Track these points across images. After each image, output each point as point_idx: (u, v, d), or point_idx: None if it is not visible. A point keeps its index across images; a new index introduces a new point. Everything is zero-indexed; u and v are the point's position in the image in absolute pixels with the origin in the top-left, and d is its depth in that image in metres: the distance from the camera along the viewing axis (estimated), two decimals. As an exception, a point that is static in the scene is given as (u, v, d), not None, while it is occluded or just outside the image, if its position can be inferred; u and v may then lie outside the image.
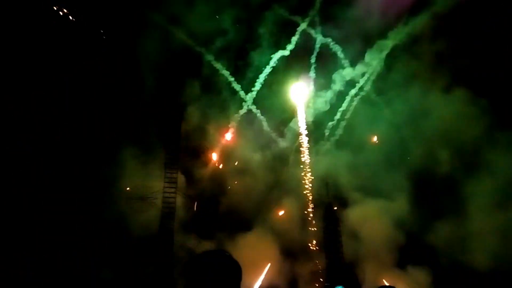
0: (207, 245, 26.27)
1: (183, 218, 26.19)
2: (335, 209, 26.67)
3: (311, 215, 28.94)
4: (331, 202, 26.70)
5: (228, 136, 31.61)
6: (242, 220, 29.78)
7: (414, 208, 30.16)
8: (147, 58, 27.30)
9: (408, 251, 28.67)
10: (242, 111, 32.46)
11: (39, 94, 24.48)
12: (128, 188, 25.16)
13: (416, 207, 30.37)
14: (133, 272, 24.52)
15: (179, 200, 25.69)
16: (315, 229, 28.41)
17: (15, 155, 23.61)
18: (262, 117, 32.60)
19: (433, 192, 31.35)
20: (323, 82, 32.89)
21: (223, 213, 29.95)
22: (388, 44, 33.95)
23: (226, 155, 31.17)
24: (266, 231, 29.27)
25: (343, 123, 32.99)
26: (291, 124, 33.10)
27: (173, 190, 25.36)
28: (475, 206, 29.74)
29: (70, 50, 25.46)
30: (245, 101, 32.58)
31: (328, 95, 33.09)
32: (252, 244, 27.90)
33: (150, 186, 25.07)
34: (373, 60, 34.11)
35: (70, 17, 26.06)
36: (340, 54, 33.19)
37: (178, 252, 24.95)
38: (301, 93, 33.44)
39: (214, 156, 30.50)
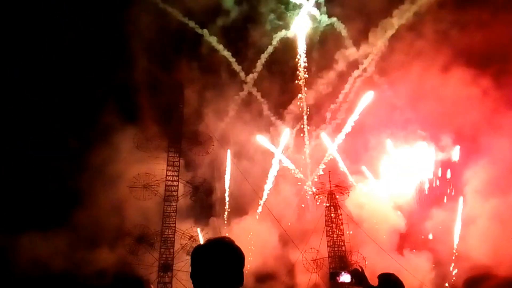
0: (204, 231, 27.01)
1: (182, 205, 26.56)
2: (337, 197, 27.17)
3: (311, 202, 29.60)
4: (333, 190, 27.14)
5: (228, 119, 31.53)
6: (239, 205, 30.48)
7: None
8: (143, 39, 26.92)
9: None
10: (242, 93, 32.38)
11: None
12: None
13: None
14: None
15: (181, 187, 25.98)
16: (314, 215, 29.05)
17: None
18: (262, 100, 32.63)
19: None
20: (326, 63, 32.82)
21: (220, 198, 30.48)
22: (393, 23, 33.87)
23: (225, 140, 31.24)
24: (263, 216, 29.93)
25: (345, 106, 33.30)
26: (291, 106, 33.20)
27: (175, 174, 25.60)
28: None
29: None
30: (246, 83, 32.48)
31: (330, 76, 33.08)
32: (248, 230, 28.67)
33: (153, 174, 25.22)
34: (377, 40, 34.04)
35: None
36: (344, 33, 33.03)
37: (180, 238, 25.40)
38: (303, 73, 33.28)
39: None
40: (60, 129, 26.39)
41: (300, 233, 28.63)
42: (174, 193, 25.63)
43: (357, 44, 32.77)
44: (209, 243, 4.40)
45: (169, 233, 25.29)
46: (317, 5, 31.28)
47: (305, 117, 32.81)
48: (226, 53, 30.74)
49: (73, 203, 26.05)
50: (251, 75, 32.24)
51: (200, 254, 4.36)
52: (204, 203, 27.90)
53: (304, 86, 32.37)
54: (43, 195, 25.84)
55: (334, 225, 26.61)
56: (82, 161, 25.85)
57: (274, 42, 31.84)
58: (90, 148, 25.84)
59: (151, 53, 27.17)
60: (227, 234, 24.61)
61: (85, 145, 26.03)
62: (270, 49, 32.16)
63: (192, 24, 28.91)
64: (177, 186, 25.90)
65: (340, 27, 31.96)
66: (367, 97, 32.24)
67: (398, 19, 33.63)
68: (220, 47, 30.11)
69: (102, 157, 25.22)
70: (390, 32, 33.39)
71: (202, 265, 4.30)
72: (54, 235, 25.93)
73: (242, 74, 32.04)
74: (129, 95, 27.15)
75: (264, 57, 32.14)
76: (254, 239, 28.39)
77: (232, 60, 31.53)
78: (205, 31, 29.21)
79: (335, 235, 26.39)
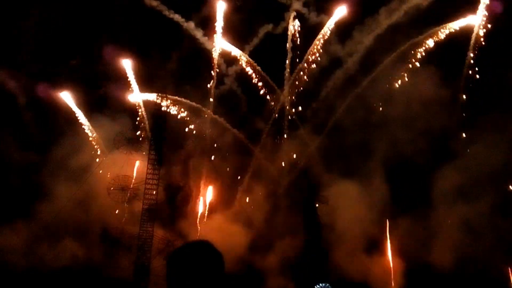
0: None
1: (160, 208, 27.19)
2: (316, 205, 28.49)
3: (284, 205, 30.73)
4: (312, 196, 28.44)
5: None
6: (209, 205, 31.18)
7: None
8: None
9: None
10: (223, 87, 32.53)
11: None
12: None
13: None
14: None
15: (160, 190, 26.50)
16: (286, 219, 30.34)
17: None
18: (242, 95, 32.94)
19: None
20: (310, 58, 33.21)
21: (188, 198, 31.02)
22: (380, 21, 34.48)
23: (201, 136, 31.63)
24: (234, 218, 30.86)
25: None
26: (272, 102, 33.64)
27: (155, 177, 26.03)
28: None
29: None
30: (227, 76, 32.58)
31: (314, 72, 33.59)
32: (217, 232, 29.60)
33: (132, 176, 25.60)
34: (363, 38, 34.67)
35: None
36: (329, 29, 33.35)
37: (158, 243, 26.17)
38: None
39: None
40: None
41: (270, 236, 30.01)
42: (153, 196, 26.07)
43: (343, 41, 33.40)
44: (187, 246, 4.38)
45: (147, 236, 25.89)
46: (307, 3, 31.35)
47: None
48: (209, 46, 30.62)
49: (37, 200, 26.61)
50: (233, 68, 32.40)
51: (177, 259, 4.31)
52: (182, 205, 28.58)
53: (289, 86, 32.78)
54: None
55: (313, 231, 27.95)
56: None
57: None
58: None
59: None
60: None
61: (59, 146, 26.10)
62: (254, 41, 32.24)
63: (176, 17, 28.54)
64: (157, 189, 26.32)
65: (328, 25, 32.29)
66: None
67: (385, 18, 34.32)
68: (204, 39, 29.93)
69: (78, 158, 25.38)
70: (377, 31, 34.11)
71: (180, 270, 4.23)
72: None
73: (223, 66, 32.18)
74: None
75: (247, 49, 32.25)
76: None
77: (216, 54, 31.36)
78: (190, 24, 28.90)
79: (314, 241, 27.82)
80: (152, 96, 28.91)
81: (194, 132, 30.62)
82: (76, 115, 29.29)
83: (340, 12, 31.98)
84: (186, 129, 29.94)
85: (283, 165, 32.66)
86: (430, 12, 33.24)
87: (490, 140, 31.49)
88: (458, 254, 29.32)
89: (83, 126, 29.39)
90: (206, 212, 30.93)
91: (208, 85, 30.65)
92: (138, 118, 28.90)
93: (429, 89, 32.78)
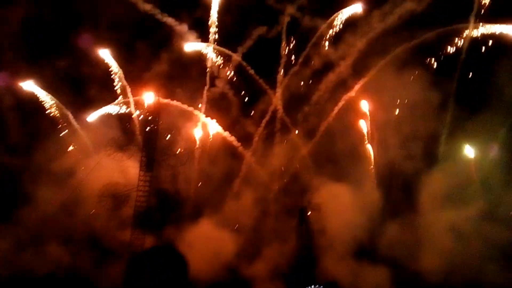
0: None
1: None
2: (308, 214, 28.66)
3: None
4: (305, 207, 28.63)
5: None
6: (196, 211, 31.02)
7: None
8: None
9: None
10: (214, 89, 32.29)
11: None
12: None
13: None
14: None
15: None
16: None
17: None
18: (234, 97, 32.74)
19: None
20: (303, 62, 33.22)
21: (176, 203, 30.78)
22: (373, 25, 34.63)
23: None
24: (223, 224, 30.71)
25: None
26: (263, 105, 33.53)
27: (147, 184, 25.69)
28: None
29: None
30: (219, 78, 32.33)
31: (306, 75, 33.63)
32: (204, 238, 29.38)
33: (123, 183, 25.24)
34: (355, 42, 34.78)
35: None
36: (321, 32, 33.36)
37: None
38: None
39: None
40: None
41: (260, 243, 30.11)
42: (144, 203, 25.72)
43: (336, 44, 33.46)
44: (150, 250, 4.41)
45: (138, 243, 25.57)
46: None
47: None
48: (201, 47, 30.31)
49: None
50: (225, 70, 32.16)
51: (138, 263, 4.28)
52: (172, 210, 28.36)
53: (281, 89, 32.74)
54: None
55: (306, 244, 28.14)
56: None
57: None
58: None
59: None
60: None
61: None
62: (247, 43, 32.03)
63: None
64: (148, 195, 25.99)
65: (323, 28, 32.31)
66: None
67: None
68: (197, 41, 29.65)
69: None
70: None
71: (141, 273, 4.20)
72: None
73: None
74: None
75: (240, 51, 32.05)
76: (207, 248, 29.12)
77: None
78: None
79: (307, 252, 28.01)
80: (143, 98, 28.51)
81: (185, 135, 30.33)
82: (64, 117, 28.76)
83: (355, 9, 31.82)
84: (177, 133, 29.60)
85: (274, 169, 32.71)
86: (424, 16, 33.62)
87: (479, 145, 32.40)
88: (447, 261, 29.88)
89: (71, 129, 28.89)
90: (196, 216, 30.82)
91: (204, 88, 30.51)
92: (127, 124, 28.54)
93: (419, 93, 33.29)
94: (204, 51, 30.42)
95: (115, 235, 26.26)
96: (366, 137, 34.10)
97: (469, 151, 33.03)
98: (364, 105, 34.10)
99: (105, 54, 29.69)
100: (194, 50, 30.77)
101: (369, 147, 34.19)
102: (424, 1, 31.37)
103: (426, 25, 33.00)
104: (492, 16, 31.06)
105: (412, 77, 33.45)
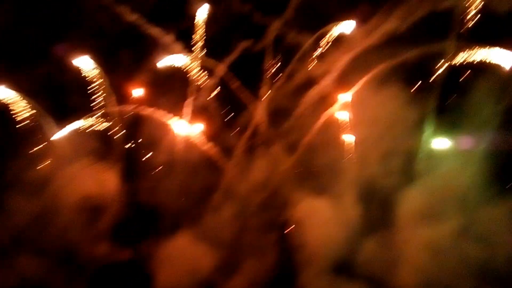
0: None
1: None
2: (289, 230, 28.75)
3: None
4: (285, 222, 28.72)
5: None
6: (174, 225, 30.73)
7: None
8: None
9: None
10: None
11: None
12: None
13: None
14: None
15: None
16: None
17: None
18: (216, 109, 32.72)
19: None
20: (287, 76, 33.43)
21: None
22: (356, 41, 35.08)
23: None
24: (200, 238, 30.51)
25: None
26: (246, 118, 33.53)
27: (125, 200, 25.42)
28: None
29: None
30: (202, 89, 32.22)
31: (290, 89, 33.81)
32: (182, 252, 29.21)
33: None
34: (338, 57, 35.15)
35: None
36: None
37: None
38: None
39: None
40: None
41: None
42: (121, 217, 25.45)
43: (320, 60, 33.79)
44: (113, 265, 4.41)
45: (114, 257, 25.21)
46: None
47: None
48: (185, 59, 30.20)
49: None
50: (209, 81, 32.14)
51: (99, 278, 4.26)
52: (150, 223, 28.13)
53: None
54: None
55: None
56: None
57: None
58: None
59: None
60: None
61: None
62: (232, 55, 32.07)
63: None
64: (126, 207, 25.76)
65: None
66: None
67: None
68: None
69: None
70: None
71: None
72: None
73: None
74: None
75: (225, 62, 32.07)
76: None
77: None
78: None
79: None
80: (125, 107, 28.26)
81: (166, 147, 30.09)
82: (41, 125, 28.15)
83: (348, 27, 32.18)
84: (158, 144, 29.39)
85: (255, 183, 32.67)
86: (406, 35, 34.25)
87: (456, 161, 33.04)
88: (424, 278, 30.29)
89: (48, 137, 28.28)
90: (175, 230, 30.50)
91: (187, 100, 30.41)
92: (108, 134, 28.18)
93: (399, 110, 33.83)
94: (179, 63, 30.30)
95: (90, 248, 25.77)
96: (347, 152, 34.55)
97: (447, 167, 33.68)
98: (346, 119, 34.57)
99: (86, 62, 29.26)
100: (170, 65, 30.64)
101: (350, 161, 34.74)
102: (407, 20, 32.03)
103: (408, 43, 33.67)
104: (473, 37, 31.97)
105: (392, 94, 34.19)
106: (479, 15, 31.09)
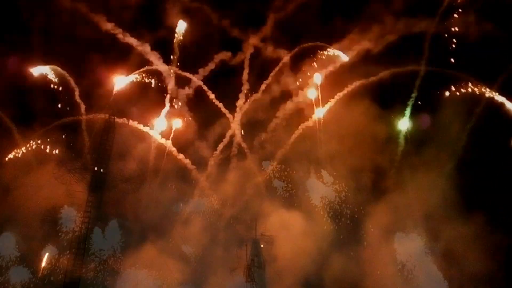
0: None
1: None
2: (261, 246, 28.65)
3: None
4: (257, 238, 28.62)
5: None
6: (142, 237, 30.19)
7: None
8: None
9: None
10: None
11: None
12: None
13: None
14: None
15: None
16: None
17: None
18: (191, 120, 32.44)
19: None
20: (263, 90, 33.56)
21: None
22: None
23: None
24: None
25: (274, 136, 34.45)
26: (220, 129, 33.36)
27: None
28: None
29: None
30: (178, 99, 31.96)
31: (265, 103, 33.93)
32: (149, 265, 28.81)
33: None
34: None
35: None
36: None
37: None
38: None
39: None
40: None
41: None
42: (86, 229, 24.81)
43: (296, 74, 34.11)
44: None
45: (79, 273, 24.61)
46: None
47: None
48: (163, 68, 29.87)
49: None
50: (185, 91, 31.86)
51: None
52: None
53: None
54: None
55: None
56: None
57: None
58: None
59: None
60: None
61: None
62: (209, 67, 31.94)
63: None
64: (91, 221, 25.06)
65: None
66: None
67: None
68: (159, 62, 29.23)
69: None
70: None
71: None
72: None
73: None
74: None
75: (202, 73, 31.88)
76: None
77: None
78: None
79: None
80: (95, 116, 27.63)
81: (138, 157, 29.53)
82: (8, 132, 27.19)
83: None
84: (130, 155, 28.78)
85: (227, 195, 32.51)
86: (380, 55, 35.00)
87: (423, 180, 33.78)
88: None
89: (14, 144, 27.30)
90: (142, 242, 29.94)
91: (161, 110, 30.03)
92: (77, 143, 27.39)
93: (371, 128, 34.48)
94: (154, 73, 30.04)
95: (53, 261, 24.96)
96: (318, 166, 34.90)
97: (414, 183, 34.40)
98: (319, 134, 34.99)
99: (54, 71, 28.41)
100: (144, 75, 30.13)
101: (321, 176, 35.04)
102: (381, 42, 32.82)
103: (382, 63, 34.46)
104: (442, 59, 33.02)
105: (364, 111, 34.82)
106: (453, 40, 32.41)
